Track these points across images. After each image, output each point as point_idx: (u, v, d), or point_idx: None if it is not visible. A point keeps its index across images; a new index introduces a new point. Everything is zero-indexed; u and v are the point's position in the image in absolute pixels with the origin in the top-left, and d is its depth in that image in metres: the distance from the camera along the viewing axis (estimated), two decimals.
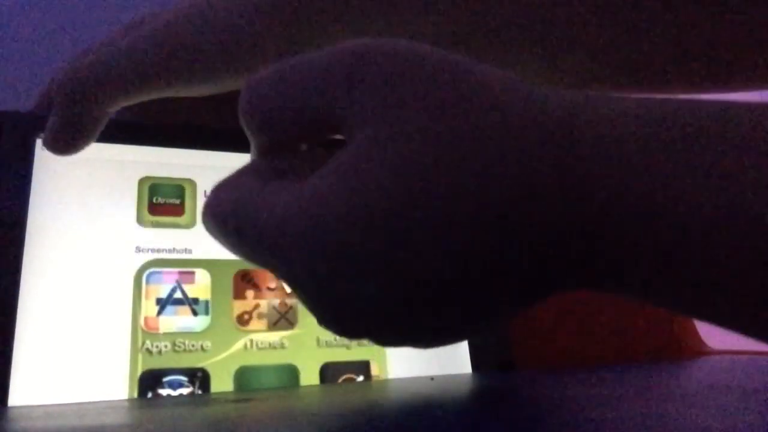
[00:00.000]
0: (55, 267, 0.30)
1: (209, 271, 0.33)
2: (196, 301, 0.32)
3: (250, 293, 0.33)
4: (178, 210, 0.34)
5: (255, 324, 0.32)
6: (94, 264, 0.31)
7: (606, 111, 0.16)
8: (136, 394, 0.29)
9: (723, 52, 0.27)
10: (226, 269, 0.33)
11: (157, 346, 0.30)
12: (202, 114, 0.35)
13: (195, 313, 0.32)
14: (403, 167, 0.15)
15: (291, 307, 0.33)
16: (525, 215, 0.15)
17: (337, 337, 0.33)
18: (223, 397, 0.28)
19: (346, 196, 0.16)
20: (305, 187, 0.17)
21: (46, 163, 0.31)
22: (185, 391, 0.30)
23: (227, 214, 0.19)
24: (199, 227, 0.33)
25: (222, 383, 0.31)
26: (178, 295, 0.32)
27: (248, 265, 0.32)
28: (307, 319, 0.33)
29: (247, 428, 0.20)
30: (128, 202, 0.33)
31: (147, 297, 0.31)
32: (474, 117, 0.16)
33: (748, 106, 0.15)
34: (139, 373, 0.30)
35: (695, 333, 0.48)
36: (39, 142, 0.31)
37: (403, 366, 0.34)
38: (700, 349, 0.47)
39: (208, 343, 0.31)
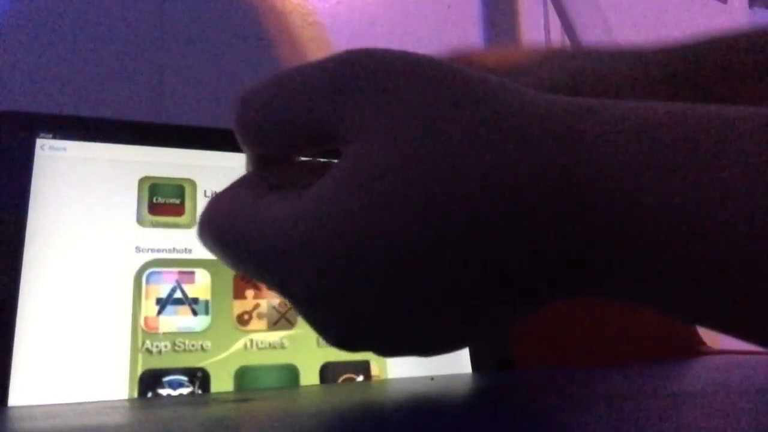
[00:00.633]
0: (55, 267, 0.30)
1: (209, 270, 0.33)
2: (196, 300, 0.32)
3: (250, 293, 0.33)
4: (178, 210, 0.34)
5: (255, 324, 0.32)
6: (94, 264, 0.31)
7: (610, 116, 0.15)
8: (136, 394, 0.29)
9: None
10: (226, 269, 0.33)
11: (157, 346, 0.30)
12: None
13: (195, 312, 0.32)
14: (403, 175, 0.15)
15: (291, 307, 0.33)
16: (528, 221, 0.15)
17: None
18: (223, 397, 0.28)
19: (345, 207, 0.15)
20: (302, 199, 0.16)
21: (46, 163, 0.31)
22: (185, 390, 0.30)
23: (223, 227, 0.18)
24: None
25: (222, 383, 0.31)
26: (178, 294, 0.32)
27: None
28: None
29: (247, 428, 0.20)
30: (128, 202, 0.33)
31: (147, 297, 0.31)
32: (473, 122, 0.15)
33: (756, 111, 0.15)
34: (139, 372, 0.30)
35: (695, 333, 0.48)
36: (39, 142, 0.32)
37: (403, 366, 0.34)
38: (700, 349, 0.47)
39: (208, 343, 0.31)
